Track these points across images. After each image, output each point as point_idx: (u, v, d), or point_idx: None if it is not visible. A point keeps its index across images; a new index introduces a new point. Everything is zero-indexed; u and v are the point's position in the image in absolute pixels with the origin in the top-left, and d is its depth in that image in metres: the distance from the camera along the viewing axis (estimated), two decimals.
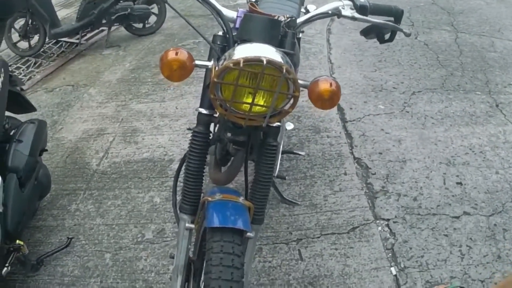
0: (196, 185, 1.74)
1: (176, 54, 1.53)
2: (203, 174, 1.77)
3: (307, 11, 2.81)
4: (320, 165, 3.13)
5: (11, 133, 2.48)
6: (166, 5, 1.85)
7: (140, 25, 5.54)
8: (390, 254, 2.51)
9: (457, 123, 3.63)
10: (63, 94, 4.31)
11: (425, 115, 3.72)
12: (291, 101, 1.54)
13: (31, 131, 2.51)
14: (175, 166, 3.13)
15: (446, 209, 2.80)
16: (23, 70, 4.83)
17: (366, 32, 1.96)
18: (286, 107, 1.56)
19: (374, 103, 3.89)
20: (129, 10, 5.08)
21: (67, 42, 5.54)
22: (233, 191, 1.70)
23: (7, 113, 2.49)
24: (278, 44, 1.61)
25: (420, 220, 2.71)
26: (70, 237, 2.61)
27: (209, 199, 1.60)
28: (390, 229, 2.65)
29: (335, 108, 3.78)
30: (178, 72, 1.54)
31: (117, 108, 3.90)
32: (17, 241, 2.20)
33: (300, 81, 1.54)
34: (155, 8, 5.56)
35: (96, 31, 5.65)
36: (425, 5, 6.38)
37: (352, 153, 3.28)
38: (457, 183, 3.01)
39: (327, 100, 1.53)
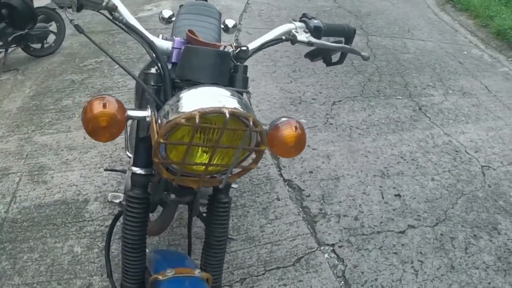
0: (138, 259, 1.43)
1: (104, 106, 1.18)
2: (145, 244, 1.46)
3: (227, 27, 2.61)
4: (250, 192, 2.88)
5: None
6: (65, 22, 1.48)
7: (39, 45, 5.08)
8: (343, 282, 2.31)
9: (383, 131, 3.51)
10: None
11: (350, 126, 3.58)
12: (253, 154, 1.27)
13: None
14: (91, 207, 2.80)
15: (390, 224, 2.64)
16: None
17: (313, 55, 1.72)
18: (246, 162, 1.29)
19: (295, 117, 3.66)
20: (26, 29, 4.65)
21: None
22: (185, 261, 1.45)
23: None
24: (228, 81, 1.36)
25: (366, 241, 2.53)
26: None
27: (160, 277, 1.30)
28: (337, 255, 2.45)
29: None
30: (108, 130, 1.20)
31: (20, 142, 3.49)
32: None
33: None
34: (53, 26, 5.13)
35: None
36: (331, 9, 6.33)
37: (281, 175, 3.05)
38: (395, 195, 2.87)
39: (292, 147, 1.29)
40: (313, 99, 3.98)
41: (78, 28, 1.30)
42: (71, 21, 1.29)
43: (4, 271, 2.43)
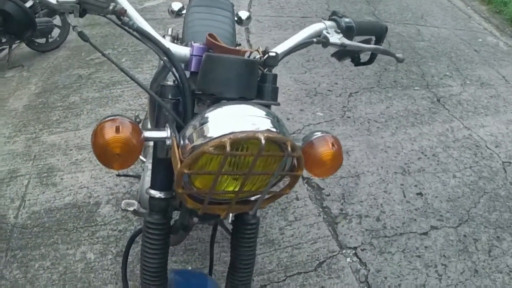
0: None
1: (117, 130, 1.05)
2: (167, 271, 1.36)
3: (240, 19, 2.51)
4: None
5: None
6: None
7: (43, 40, 4.98)
8: None
9: (402, 125, 3.43)
10: None
11: (368, 119, 3.49)
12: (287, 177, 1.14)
13: None
14: (103, 210, 2.73)
15: (413, 225, 2.57)
16: None
17: (340, 55, 1.56)
18: (278, 187, 1.17)
19: (312, 110, 3.61)
20: (24, 37, 4.55)
21: None
22: (208, 285, 1.36)
23: None
24: (256, 94, 1.22)
25: (389, 243, 2.47)
26: None
27: None
28: (360, 259, 2.39)
29: None
30: (122, 157, 1.07)
31: (27, 142, 3.42)
32: None
33: None
34: (57, 20, 5.03)
35: None
36: None
37: None
38: (417, 193, 2.79)
39: (328, 166, 1.16)
40: (329, 90, 3.89)
41: (82, 35, 1.17)
42: (73, 27, 1.16)
43: (15, 280, 2.37)
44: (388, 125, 3.42)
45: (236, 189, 1.07)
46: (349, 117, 3.52)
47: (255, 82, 1.19)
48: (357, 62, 1.59)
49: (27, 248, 2.54)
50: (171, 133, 1.13)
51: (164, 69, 1.42)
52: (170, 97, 1.22)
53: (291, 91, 3.87)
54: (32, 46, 4.85)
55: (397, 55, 1.56)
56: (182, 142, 1.06)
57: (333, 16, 1.48)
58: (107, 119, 1.07)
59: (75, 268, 2.41)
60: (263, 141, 0.93)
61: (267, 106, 1.18)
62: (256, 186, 1.11)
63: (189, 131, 1.05)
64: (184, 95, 1.19)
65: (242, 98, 1.13)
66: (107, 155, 1.06)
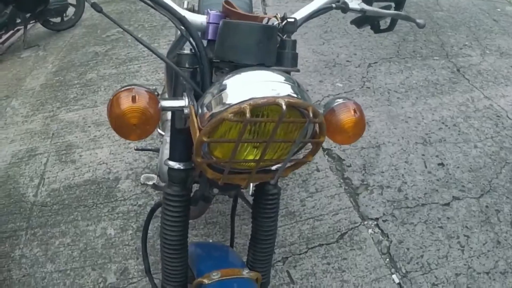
0: (180, 261, 1.31)
1: (133, 100, 1.01)
2: (187, 243, 1.34)
3: None
4: None
5: None
6: None
7: (58, 19, 4.98)
8: (388, 259, 2.24)
9: (423, 95, 3.38)
10: None
11: (388, 89, 3.45)
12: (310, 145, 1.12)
13: None
14: (123, 186, 2.74)
15: (435, 196, 2.55)
16: None
17: (360, 22, 1.51)
18: (300, 154, 1.16)
19: (331, 81, 3.58)
20: (37, 11, 4.53)
21: None
22: (230, 258, 1.36)
23: None
24: (276, 60, 1.16)
25: (411, 214, 2.45)
26: None
27: (205, 281, 1.20)
28: (381, 230, 2.38)
29: None
30: (140, 127, 1.04)
31: (45, 121, 3.43)
32: None
33: None
34: None
35: (11, 32, 5.05)
36: None
37: None
38: (439, 164, 2.76)
39: (350, 133, 1.13)
40: (348, 61, 3.85)
41: (95, 6, 1.09)
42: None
43: (36, 258, 2.39)
44: (408, 95, 3.38)
45: (257, 158, 1.04)
46: (368, 88, 3.48)
47: (274, 48, 1.14)
48: (376, 29, 1.53)
49: (47, 226, 2.55)
50: (189, 102, 1.09)
51: (181, 38, 1.36)
52: (187, 66, 1.17)
53: (309, 63, 3.84)
54: (47, 26, 4.86)
55: (418, 20, 1.46)
56: (200, 110, 1.02)
57: None
58: (122, 89, 1.04)
59: (96, 244, 2.42)
60: (284, 107, 0.90)
61: (287, 73, 1.13)
62: (277, 155, 1.08)
63: (207, 99, 1.02)
64: (201, 63, 1.15)
65: (261, 65, 1.09)
66: (124, 125, 1.03)
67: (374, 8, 1.38)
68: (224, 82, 1.00)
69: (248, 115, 0.90)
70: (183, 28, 1.17)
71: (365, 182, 2.65)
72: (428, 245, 2.30)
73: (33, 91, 3.87)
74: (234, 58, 1.09)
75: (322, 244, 2.32)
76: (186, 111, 1.08)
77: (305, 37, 4.23)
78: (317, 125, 1.04)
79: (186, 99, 1.10)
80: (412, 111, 3.21)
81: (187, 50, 1.17)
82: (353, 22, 1.52)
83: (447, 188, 2.60)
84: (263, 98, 0.92)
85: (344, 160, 2.81)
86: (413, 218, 2.43)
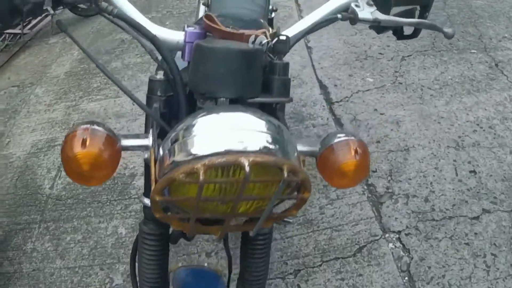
0: None
1: (83, 143, 0.88)
2: (168, 279, 1.24)
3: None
4: (310, 166, 2.65)
5: None
6: None
7: (87, 5, 4.89)
8: (407, 278, 2.11)
9: (458, 93, 3.19)
10: (9, 98, 3.75)
11: (421, 86, 3.27)
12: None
13: None
14: (138, 182, 2.66)
15: (463, 208, 2.39)
16: None
17: (380, 28, 1.26)
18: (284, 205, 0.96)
19: (361, 75, 3.41)
20: None
21: (10, 33, 4.88)
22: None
23: None
24: (261, 86, 1.00)
25: (436, 228, 2.30)
26: None
27: None
28: (403, 244, 2.24)
29: (317, 87, 3.31)
30: (94, 173, 0.90)
31: (67, 110, 3.37)
32: None
33: (301, 147, 0.96)
34: None
35: (40, 17, 4.99)
36: None
37: None
38: (471, 171, 2.59)
39: (350, 177, 0.95)
40: (380, 53, 3.66)
41: (59, 25, 1.01)
42: (52, 15, 1.02)
43: (47, 253, 2.37)
44: (442, 93, 3.19)
45: (228, 211, 0.87)
46: (400, 83, 3.30)
47: (258, 75, 0.98)
48: (399, 35, 1.32)
49: (60, 220, 2.53)
50: (153, 142, 0.96)
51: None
52: (159, 93, 1.04)
53: (339, 55, 3.67)
54: (75, 11, 4.75)
55: (446, 29, 1.21)
56: (162, 153, 0.87)
57: None
58: (78, 127, 0.91)
59: (106, 243, 2.38)
60: (247, 168, 0.74)
61: (274, 104, 1.02)
62: (254, 207, 0.91)
63: (171, 140, 0.86)
64: (176, 91, 1.02)
65: (239, 103, 0.94)
66: (75, 172, 0.90)
67: (391, 17, 1.18)
68: (192, 122, 0.84)
69: (201, 177, 0.74)
70: (154, 48, 1.03)
71: (390, 190, 2.50)
72: (451, 263, 2.16)
73: (58, 78, 3.83)
74: (206, 89, 0.95)
75: (338, 258, 2.20)
76: (146, 155, 0.96)
77: (337, 27, 4.03)
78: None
79: (151, 138, 0.97)
80: (445, 111, 3.02)
81: (160, 74, 1.04)
82: (371, 27, 1.32)
83: (478, 199, 2.43)
84: (222, 155, 0.75)
85: (370, 164, 2.65)
86: (438, 233, 2.28)
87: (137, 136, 0.99)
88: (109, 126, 0.97)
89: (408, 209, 2.39)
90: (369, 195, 2.48)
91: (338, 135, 0.97)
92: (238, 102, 0.94)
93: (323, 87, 3.31)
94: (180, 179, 0.77)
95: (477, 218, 2.34)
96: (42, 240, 2.45)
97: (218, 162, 0.74)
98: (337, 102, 3.15)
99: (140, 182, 2.66)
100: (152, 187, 0.83)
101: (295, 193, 0.89)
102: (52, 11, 1.01)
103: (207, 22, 1.04)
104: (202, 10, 2.17)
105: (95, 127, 0.92)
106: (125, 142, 0.97)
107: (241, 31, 1.04)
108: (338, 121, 2.98)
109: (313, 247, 2.25)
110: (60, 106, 3.44)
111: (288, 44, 1.02)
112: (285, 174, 0.77)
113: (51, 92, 3.63)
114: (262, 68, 0.99)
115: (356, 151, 0.93)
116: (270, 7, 2.17)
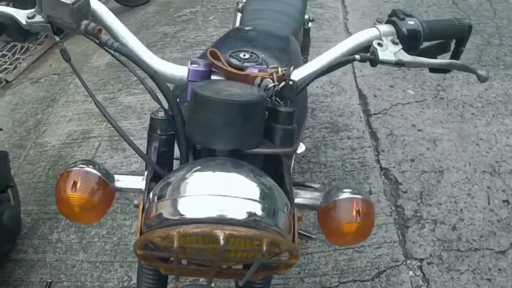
0: None
1: (74, 186, 0.89)
2: None
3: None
4: (340, 180, 2.63)
5: None
6: None
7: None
8: None
9: (500, 113, 3.07)
10: (49, 86, 3.82)
11: (463, 103, 3.17)
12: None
13: None
14: None
15: (491, 240, 2.31)
16: (8, 58, 4.26)
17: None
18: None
19: (403, 86, 3.33)
20: None
21: None
22: None
23: None
24: (263, 135, 0.96)
25: (460, 259, 2.24)
26: (49, 280, 2.26)
27: None
28: (423, 274, 2.19)
29: (356, 96, 3.25)
30: (84, 214, 0.92)
31: (104, 102, 3.39)
32: None
33: (303, 200, 0.96)
34: None
35: None
36: None
37: (378, 161, 2.74)
38: (504, 201, 2.50)
39: (349, 237, 0.93)
40: None
41: (64, 54, 1.02)
42: (57, 43, 1.01)
43: (70, 245, 2.43)
44: (484, 112, 3.09)
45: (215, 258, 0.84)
46: (442, 98, 3.21)
47: (257, 126, 0.93)
48: (433, 68, 1.21)
49: None
50: (145, 186, 0.95)
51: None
52: (159, 132, 1.01)
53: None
54: (121, 1, 4.80)
55: (480, 71, 1.09)
56: (150, 201, 0.86)
57: (393, 17, 1.13)
58: (70, 169, 0.92)
59: (129, 241, 2.42)
60: (221, 242, 0.73)
61: (275, 156, 0.97)
62: (240, 260, 0.90)
63: (155, 197, 0.84)
64: (177, 132, 0.98)
65: (232, 157, 0.90)
66: (66, 211, 0.92)
67: (418, 58, 1.09)
68: (178, 179, 0.83)
69: (175, 244, 0.74)
70: (149, 86, 1.00)
71: (418, 214, 2.44)
72: None
73: (98, 69, 3.87)
74: (200, 139, 0.91)
75: (356, 280, 2.17)
76: (135, 202, 0.97)
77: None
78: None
79: (144, 181, 0.97)
80: (485, 132, 2.93)
81: (161, 113, 1.01)
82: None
83: (507, 232, 2.35)
84: (197, 226, 0.75)
85: (401, 184, 2.60)
86: (461, 264, 2.22)
87: (132, 177, 0.99)
88: (105, 166, 0.98)
89: (434, 236, 2.33)
90: (396, 217, 2.43)
91: (344, 190, 0.95)
92: (235, 153, 0.91)
93: (362, 96, 3.26)
94: (156, 241, 0.77)
95: (503, 252, 2.26)
96: (67, 232, 2.50)
97: (192, 232, 0.74)
98: (374, 114, 3.09)
99: None
100: (137, 236, 0.85)
101: (282, 256, 0.87)
102: (57, 38, 1.03)
103: (212, 59, 1.00)
104: (238, 17, 2.15)
105: (88, 169, 0.92)
106: (119, 184, 0.97)
107: (247, 71, 0.99)
108: (373, 135, 2.92)
109: (332, 266, 2.22)
110: (98, 97, 3.45)
111: (295, 90, 0.96)
112: (264, 248, 0.75)
113: (90, 83, 3.66)
114: (264, 117, 0.94)
115: (358, 212, 0.91)
116: (307, 16, 2.14)
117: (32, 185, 2.79)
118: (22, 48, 4.33)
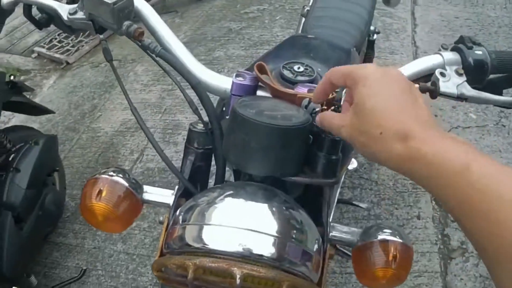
0: None
1: (99, 195, 0.87)
2: None
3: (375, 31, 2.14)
4: (389, 200, 2.55)
5: (11, 158, 2.09)
6: None
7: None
8: None
9: None
10: (108, 71, 3.86)
11: None
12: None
13: (32, 156, 2.13)
14: (212, 179, 2.66)
15: None
16: (71, 40, 4.35)
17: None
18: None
19: (465, 109, 3.21)
20: None
21: None
22: None
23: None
24: (304, 162, 0.87)
25: None
26: (84, 268, 2.30)
27: None
28: None
29: None
30: (107, 224, 0.90)
31: (161, 94, 3.42)
32: None
33: (339, 234, 0.92)
34: None
35: None
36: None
37: None
38: None
39: (382, 282, 0.88)
40: None
41: (106, 53, 1.02)
42: (101, 41, 1.01)
43: (110, 234, 2.45)
44: None
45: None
46: (503, 126, 3.08)
47: (298, 153, 0.85)
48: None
49: None
50: (173, 202, 0.93)
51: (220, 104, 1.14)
52: (196, 145, 0.97)
53: None
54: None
55: None
56: (171, 224, 0.83)
57: (460, 43, 1.00)
58: (97, 175, 0.90)
59: None
60: (238, 281, 0.68)
61: (315, 187, 0.90)
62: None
63: (179, 218, 0.81)
64: (215, 147, 0.94)
65: (267, 184, 0.86)
66: (90, 218, 0.90)
67: (482, 94, 0.96)
68: (205, 204, 0.79)
69: (190, 275, 0.70)
70: (189, 96, 0.98)
71: (464, 246, 2.35)
72: None
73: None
74: (235, 161, 0.85)
75: None
76: (161, 218, 0.95)
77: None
78: None
79: (173, 197, 0.94)
80: None
81: (200, 125, 0.97)
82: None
83: None
84: (215, 260, 0.71)
85: None
86: None
87: (161, 192, 0.97)
88: (134, 176, 0.96)
89: (477, 271, 2.24)
90: (441, 247, 2.34)
91: (384, 230, 0.90)
92: (272, 178, 0.87)
93: None
94: (172, 268, 0.74)
95: None
96: None
97: (208, 266, 0.70)
98: None
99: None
100: (157, 255, 0.83)
101: None
102: (101, 37, 1.05)
103: (258, 74, 0.94)
104: (302, 21, 2.11)
105: (117, 178, 0.91)
106: (147, 196, 0.96)
107: (296, 90, 0.93)
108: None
109: None
110: (156, 88, 3.49)
111: None
112: None
113: (150, 72, 3.68)
114: (307, 142, 0.87)
115: (395, 257, 0.86)
116: (372, 28, 2.07)
117: (81, 169, 2.83)
118: (85, 32, 4.39)
